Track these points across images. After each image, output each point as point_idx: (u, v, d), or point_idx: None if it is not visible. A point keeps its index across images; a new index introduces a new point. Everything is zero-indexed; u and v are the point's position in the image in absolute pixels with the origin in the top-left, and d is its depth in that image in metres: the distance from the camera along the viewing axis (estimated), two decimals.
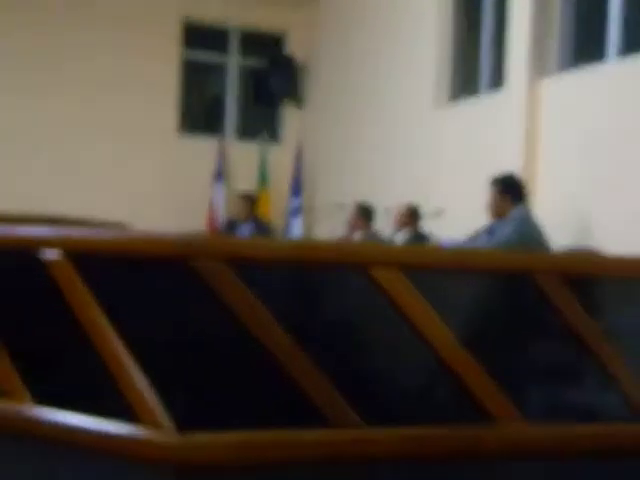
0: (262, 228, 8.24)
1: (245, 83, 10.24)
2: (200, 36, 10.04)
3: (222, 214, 9.51)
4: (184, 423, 2.71)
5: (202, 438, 2.71)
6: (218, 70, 10.27)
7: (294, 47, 10.08)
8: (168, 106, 9.68)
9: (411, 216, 6.65)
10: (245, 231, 8.11)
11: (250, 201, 8.50)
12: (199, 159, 9.52)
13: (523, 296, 3.26)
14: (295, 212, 9.43)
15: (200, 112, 10.54)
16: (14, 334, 3.07)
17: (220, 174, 9.61)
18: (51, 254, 2.94)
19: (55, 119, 8.96)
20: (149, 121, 9.40)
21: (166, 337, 2.81)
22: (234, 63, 10.18)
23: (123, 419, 2.77)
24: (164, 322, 2.82)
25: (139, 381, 2.75)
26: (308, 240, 6.12)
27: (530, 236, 5.20)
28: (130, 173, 8.86)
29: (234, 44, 10.14)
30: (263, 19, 9.88)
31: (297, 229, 9.31)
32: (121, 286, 2.88)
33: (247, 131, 10.21)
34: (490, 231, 5.35)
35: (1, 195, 7.36)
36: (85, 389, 2.94)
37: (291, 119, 10.19)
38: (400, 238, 6.59)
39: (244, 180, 9.70)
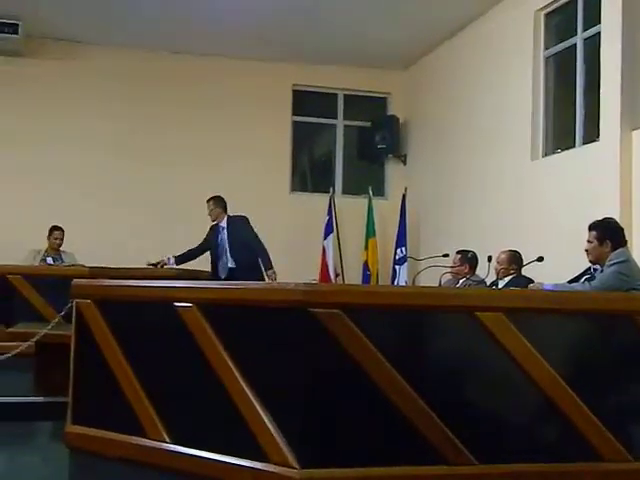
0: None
1: (350, 142, 10.82)
2: (308, 101, 10.70)
3: (333, 264, 10.04)
4: (307, 459, 3.00)
5: (323, 474, 2.99)
6: (325, 131, 10.89)
7: (396, 106, 10.64)
8: (282, 168, 10.39)
9: (513, 262, 6.70)
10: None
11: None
12: (311, 214, 10.11)
13: (624, 337, 3.41)
14: (401, 261, 9.79)
15: (310, 171, 11.12)
16: (152, 377, 3.50)
17: (330, 227, 10.16)
18: (184, 305, 3.36)
19: (186, 184, 9.74)
20: (266, 182, 10.11)
21: (288, 379, 3.06)
22: (340, 124, 10.80)
23: (251, 455, 3.08)
24: (286, 364, 3.08)
25: (266, 421, 3.06)
26: (416, 287, 6.30)
27: (631, 278, 5.17)
28: None
29: (340, 106, 10.77)
30: (366, 82, 10.52)
31: (403, 277, 9.66)
32: (248, 332, 3.20)
33: (354, 186, 10.75)
34: (590, 275, 5.37)
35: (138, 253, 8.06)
36: (215, 427, 3.26)
37: (395, 174, 10.68)
38: (503, 284, 6.68)
39: (352, 232, 10.25)
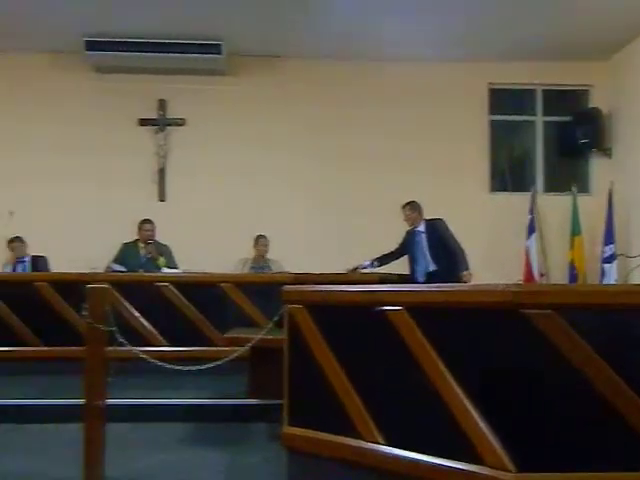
0: None
1: (550, 138, 10.49)
2: (505, 99, 10.49)
3: (537, 264, 9.78)
4: (522, 462, 2.95)
5: (540, 478, 2.93)
6: (524, 128, 10.62)
7: (598, 98, 10.21)
8: (481, 168, 10.25)
9: None
10: None
11: None
12: (511, 214, 9.91)
13: None
14: (610, 259, 9.37)
15: (509, 170, 10.89)
16: (363, 379, 3.55)
17: (533, 226, 9.91)
18: (394, 308, 3.39)
19: (382, 189, 9.84)
20: (464, 184, 10.03)
21: (500, 381, 3.04)
22: (540, 120, 10.50)
23: (465, 458, 3.06)
24: (498, 366, 3.05)
25: (481, 424, 3.04)
26: (631, 285, 6.00)
27: None
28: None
29: (539, 102, 10.48)
30: (565, 75, 10.18)
31: (612, 276, 9.24)
32: (457, 334, 3.19)
33: (556, 184, 10.41)
34: None
35: (335, 258, 8.24)
36: (427, 429, 3.26)
37: (599, 168, 10.23)
38: None
39: (556, 231, 9.95)
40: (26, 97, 9.84)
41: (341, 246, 9.30)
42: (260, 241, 9.13)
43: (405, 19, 8.90)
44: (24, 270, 8.50)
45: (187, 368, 4.31)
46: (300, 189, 9.94)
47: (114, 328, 4.04)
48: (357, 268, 8.06)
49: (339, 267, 7.85)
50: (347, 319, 3.63)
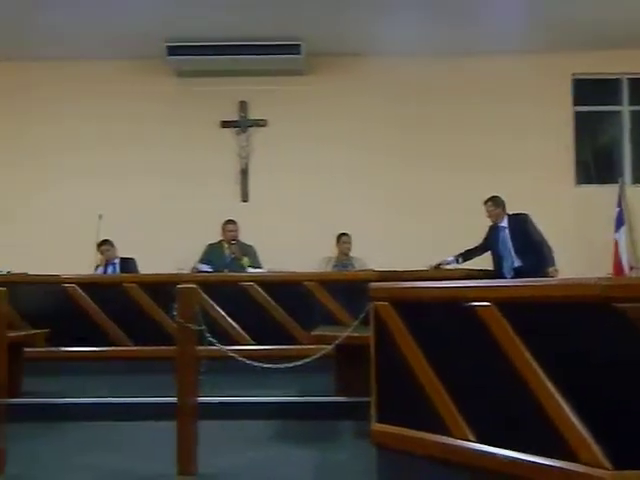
0: None
1: (638, 128, 10.21)
2: (590, 89, 10.26)
3: (626, 258, 9.55)
4: (619, 459, 2.86)
5: (637, 476, 2.84)
6: (609, 119, 10.36)
7: None
8: (565, 161, 10.05)
9: None
10: None
11: None
12: (598, 207, 9.69)
13: None
14: None
15: (595, 162, 10.66)
16: (452, 375, 3.52)
17: (621, 219, 9.66)
18: (482, 304, 3.36)
19: (463, 185, 9.78)
20: (548, 177, 9.85)
21: (592, 376, 2.95)
22: (626, 110, 10.23)
23: (559, 455, 2.99)
24: (590, 361, 2.97)
25: (574, 420, 2.97)
26: None
27: None
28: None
29: (624, 92, 10.21)
30: None
31: None
32: (547, 329, 3.13)
33: None
34: None
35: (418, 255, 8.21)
36: (519, 426, 3.21)
37: None
38: None
39: None
40: (110, 102, 10.09)
41: (423, 243, 9.24)
42: (342, 239, 9.16)
43: (485, 11, 8.80)
44: (114, 272, 8.73)
45: (275, 366, 4.35)
46: (380, 187, 9.92)
47: (203, 327, 4.11)
48: (440, 264, 8.02)
49: (421, 264, 7.82)
50: (434, 315, 3.61)
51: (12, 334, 5.09)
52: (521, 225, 8.01)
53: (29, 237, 9.67)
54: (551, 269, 7.75)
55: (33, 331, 6.41)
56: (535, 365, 3.14)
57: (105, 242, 8.86)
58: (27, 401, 5.60)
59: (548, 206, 9.21)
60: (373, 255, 8.73)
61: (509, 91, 9.94)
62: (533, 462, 3.10)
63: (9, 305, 4.40)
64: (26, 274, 7.74)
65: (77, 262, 8.50)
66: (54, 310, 7.34)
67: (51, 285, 7.50)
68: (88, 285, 7.56)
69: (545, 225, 7.95)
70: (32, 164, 10.04)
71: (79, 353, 7.19)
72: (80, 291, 7.47)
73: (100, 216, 8.85)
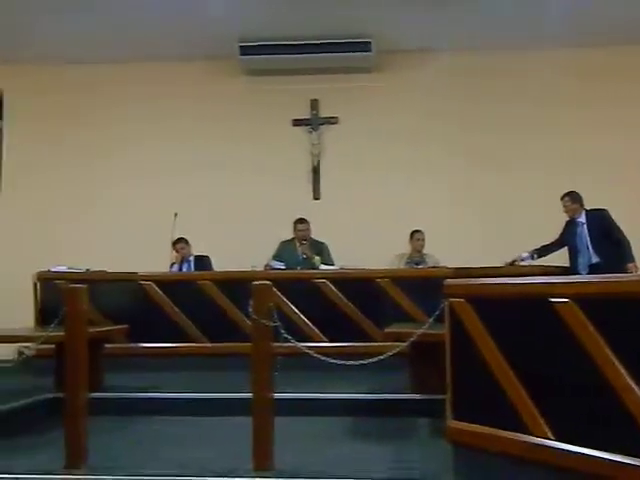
0: None
1: None
2: None
3: None
4: None
5: None
6: None
7: None
8: None
9: None
10: None
11: None
12: None
13: None
14: None
15: None
16: (530, 373, 3.48)
17: None
18: (561, 300, 3.31)
19: (534, 184, 9.63)
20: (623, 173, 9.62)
21: None
22: None
23: (638, 454, 2.95)
24: None
25: None
26: None
27: None
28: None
29: None
30: None
31: None
32: (629, 326, 3.08)
33: None
34: None
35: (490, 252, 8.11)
36: (599, 424, 3.16)
37: None
38: None
39: None
40: (183, 103, 10.24)
41: (497, 240, 9.12)
42: (416, 236, 9.11)
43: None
44: (189, 269, 8.86)
45: (350, 363, 4.35)
46: (453, 184, 9.83)
47: (278, 324, 4.14)
48: (515, 261, 7.93)
49: (495, 261, 7.73)
50: (511, 312, 3.58)
51: (92, 330, 5.21)
52: (600, 220, 7.87)
53: (107, 236, 9.88)
54: (630, 265, 7.60)
55: (112, 327, 6.55)
56: (615, 361, 3.09)
57: (180, 240, 9.00)
58: (107, 395, 5.73)
59: (625, 201, 8.99)
60: (445, 252, 8.66)
61: (593, 85, 9.69)
62: (615, 461, 3.06)
63: (89, 302, 4.49)
64: (105, 272, 7.93)
65: (153, 260, 8.66)
66: (132, 307, 7.52)
67: (129, 283, 7.68)
68: (164, 282, 7.70)
69: (626, 220, 7.79)
70: (109, 164, 10.25)
71: (156, 349, 7.34)
72: (156, 288, 7.62)
73: (175, 214, 8.98)
